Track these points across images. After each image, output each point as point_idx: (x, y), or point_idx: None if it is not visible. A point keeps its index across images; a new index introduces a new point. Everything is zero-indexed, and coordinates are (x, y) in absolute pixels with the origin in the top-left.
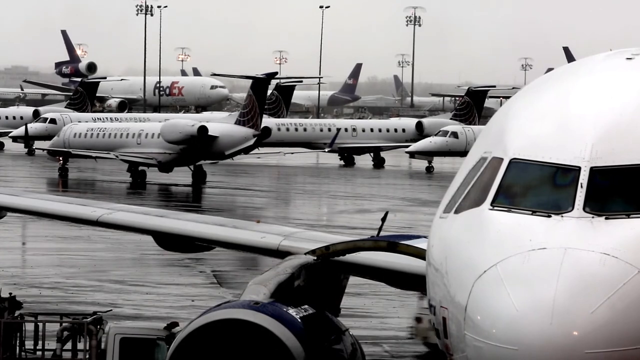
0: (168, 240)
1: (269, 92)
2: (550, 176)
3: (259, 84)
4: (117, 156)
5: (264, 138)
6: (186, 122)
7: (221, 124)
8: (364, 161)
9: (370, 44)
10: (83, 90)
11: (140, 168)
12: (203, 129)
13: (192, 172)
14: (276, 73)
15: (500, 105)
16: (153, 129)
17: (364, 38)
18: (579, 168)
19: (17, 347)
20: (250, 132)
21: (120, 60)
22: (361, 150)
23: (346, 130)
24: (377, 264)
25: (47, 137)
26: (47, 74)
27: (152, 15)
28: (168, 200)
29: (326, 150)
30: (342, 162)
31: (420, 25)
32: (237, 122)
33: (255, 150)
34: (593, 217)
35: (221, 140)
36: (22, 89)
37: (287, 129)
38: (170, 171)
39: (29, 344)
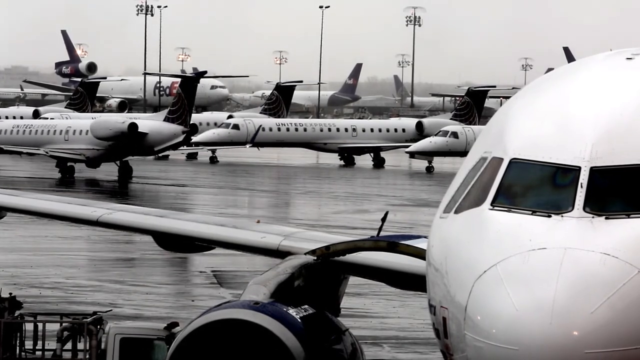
0: (168, 240)
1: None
2: (550, 176)
3: (188, 82)
4: (47, 152)
5: (192, 135)
6: (116, 119)
7: (151, 121)
8: (364, 161)
9: (370, 44)
10: (83, 91)
11: (69, 164)
12: (133, 126)
13: (118, 167)
14: (205, 72)
15: (500, 105)
16: (81, 125)
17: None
18: (579, 168)
19: (17, 347)
20: (180, 129)
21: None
22: (361, 150)
23: (346, 130)
24: (377, 264)
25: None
26: (47, 74)
27: (152, 15)
28: (96, 193)
29: (247, 146)
30: (342, 162)
31: (420, 25)
32: (166, 120)
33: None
34: (593, 217)
35: (150, 137)
36: (22, 89)
37: (287, 129)
38: (97, 166)
39: (29, 344)
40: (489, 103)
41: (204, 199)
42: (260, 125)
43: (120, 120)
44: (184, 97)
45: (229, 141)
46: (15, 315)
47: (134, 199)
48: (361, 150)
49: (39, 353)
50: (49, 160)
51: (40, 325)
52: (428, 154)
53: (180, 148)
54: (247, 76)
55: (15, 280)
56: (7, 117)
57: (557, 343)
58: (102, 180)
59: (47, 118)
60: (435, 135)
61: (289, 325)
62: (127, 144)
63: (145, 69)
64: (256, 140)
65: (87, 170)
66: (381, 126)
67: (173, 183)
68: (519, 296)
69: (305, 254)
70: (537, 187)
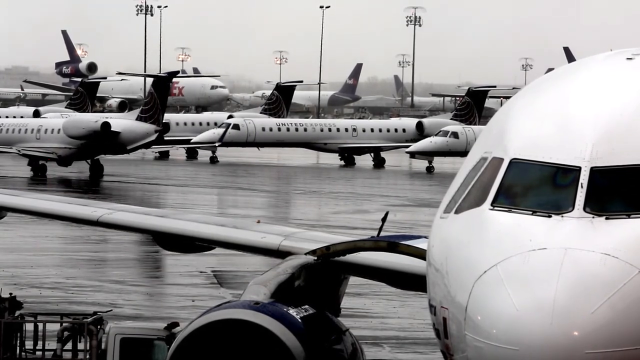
0: (168, 240)
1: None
2: (550, 176)
3: (161, 82)
4: (19, 151)
5: (164, 133)
6: (89, 118)
7: (124, 120)
8: (364, 161)
9: (371, 44)
10: (83, 91)
11: (41, 162)
12: (106, 125)
13: (89, 165)
14: (178, 72)
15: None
16: (53, 124)
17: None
18: (579, 168)
19: (18, 347)
20: (152, 128)
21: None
22: (361, 150)
23: (346, 130)
24: (377, 264)
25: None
26: (47, 74)
27: (152, 15)
28: (67, 191)
29: (217, 144)
30: (342, 162)
31: (420, 25)
32: (139, 119)
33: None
34: (593, 217)
35: (123, 136)
36: (22, 89)
37: (288, 129)
38: (69, 165)
39: (29, 344)
40: (489, 103)
41: (204, 198)
42: (230, 124)
43: (93, 119)
44: (157, 96)
45: (229, 141)
46: (16, 315)
47: (107, 197)
48: (361, 150)
49: (39, 353)
50: (22, 158)
51: (40, 325)
52: (428, 154)
53: (153, 146)
54: (219, 75)
55: (16, 280)
56: (7, 117)
57: (557, 343)
58: (73, 179)
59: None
60: (436, 135)
61: (290, 325)
62: (99, 143)
63: (145, 69)
64: (257, 140)
65: (59, 168)
66: (381, 126)
67: (144, 181)
68: (520, 296)
69: (305, 254)
70: (538, 187)
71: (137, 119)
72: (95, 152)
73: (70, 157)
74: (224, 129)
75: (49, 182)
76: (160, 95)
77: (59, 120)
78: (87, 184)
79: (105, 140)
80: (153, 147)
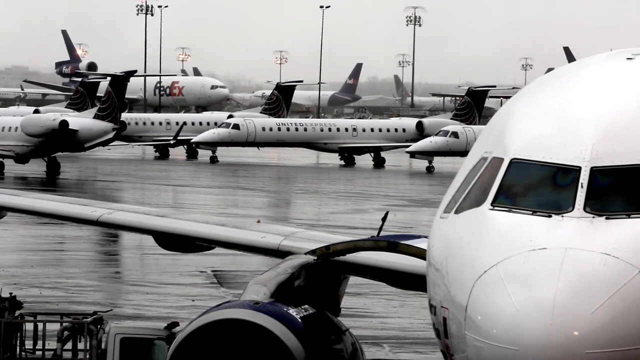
0: (168, 240)
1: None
2: (550, 176)
3: (118, 81)
4: None
5: (122, 132)
6: (48, 116)
7: (81, 119)
8: (364, 161)
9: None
10: (83, 90)
11: None
12: (64, 123)
13: (46, 163)
14: (135, 71)
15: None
16: (10, 122)
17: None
18: (580, 168)
19: (18, 347)
20: (110, 126)
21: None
22: (361, 150)
23: (346, 130)
24: (377, 263)
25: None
26: (47, 74)
27: (152, 15)
28: (24, 187)
29: (172, 142)
30: (342, 162)
31: (420, 25)
32: (96, 117)
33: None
34: (593, 217)
35: (81, 134)
36: (22, 89)
37: (288, 129)
38: (26, 162)
39: (29, 344)
40: (489, 103)
41: (204, 198)
42: (184, 122)
43: (51, 117)
44: (114, 95)
45: (228, 141)
46: (16, 315)
47: (63, 192)
48: (361, 150)
49: (39, 353)
50: None
51: (40, 325)
52: (428, 154)
53: (111, 144)
54: (175, 75)
55: (16, 280)
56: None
57: (557, 343)
58: (30, 177)
59: None
60: (436, 135)
61: (290, 325)
62: (57, 141)
63: (145, 69)
64: (257, 140)
65: (16, 166)
66: (381, 126)
67: (101, 179)
68: (520, 296)
69: (305, 253)
70: (538, 187)
71: (94, 117)
72: (53, 150)
73: (27, 155)
74: (178, 128)
75: (7, 180)
76: (117, 94)
77: (17, 118)
78: (45, 182)
79: (63, 139)
80: (111, 144)
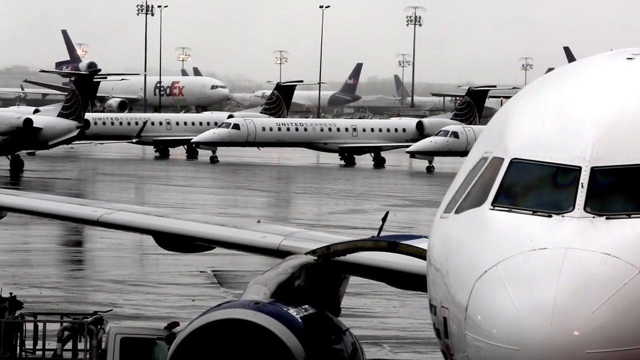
0: (168, 240)
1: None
2: (550, 176)
3: (82, 79)
4: None
5: (85, 130)
6: (12, 114)
7: (46, 117)
8: (364, 161)
9: (371, 44)
10: None
11: None
12: (28, 121)
13: (10, 161)
14: (99, 70)
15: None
16: None
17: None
18: (580, 168)
19: (18, 347)
20: (74, 124)
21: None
22: (361, 150)
23: (346, 130)
24: (377, 263)
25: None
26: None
27: (152, 15)
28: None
29: (134, 141)
30: (342, 162)
31: (420, 25)
32: (60, 115)
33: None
34: (594, 217)
35: (45, 132)
36: (22, 89)
37: (288, 129)
38: None
39: (29, 344)
40: (489, 103)
41: (204, 198)
42: (146, 121)
43: (15, 115)
44: (78, 93)
45: (228, 141)
46: (16, 315)
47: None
48: (361, 150)
49: (39, 353)
50: None
51: (40, 325)
52: (428, 154)
53: (74, 142)
54: (138, 74)
55: (16, 280)
56: None
57: (557, 343)
58: None
59: None
60: (436, 135)
61: (290, 325)
62: (21, 139)
63: (145, 69)
64: (257, 140)
65: None
66: (381, 126)
67: (64, 177)
68: (520, 296)
69: (305, 254)
70: (538, 187)
71: (58, 115)
72: (17, 147)
73: None
74: (140, 126)
75: None
76: (81, 92)
77: None
78: (11, 179)
79: (27, 136)
80: (73, 142)
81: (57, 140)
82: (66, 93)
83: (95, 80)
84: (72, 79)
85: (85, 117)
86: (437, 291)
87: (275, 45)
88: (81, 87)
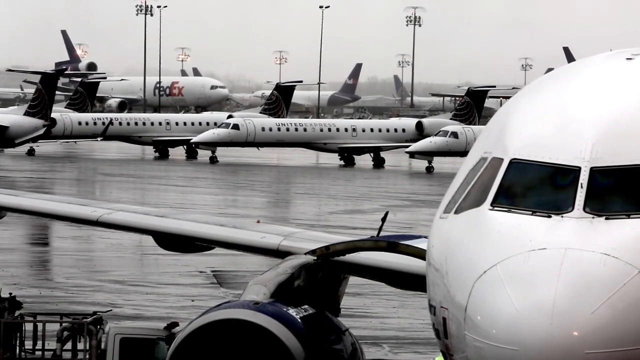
0: (168, 240)
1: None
2: (550, 176)
3: (49, 78)
4: None
5: (51, 128)
6: None
7: (12, 115)
8: (364, 161)
9: (370, 44)
10: (83, 91)
11: None
12: None
13: None
14: (65, 69)
15: (500, 105)
16: None
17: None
18: (579, 168)
19: (17, 347)
20: (40, 123)
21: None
22: (361, 150)
23: (346, 130)
24: (377, 264)
25: (47, 137)
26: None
27: (152, 15)
28: None
29: (99, 139)
30: (342, 162)
31: (420, 25)
32: (26, 114)
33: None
34: (593, 218)
35: (12, 130)
36: (22, 89)
37: (287, 129)
38: None
39: (29, 344)
40: (489, 103)
41: (204, 198)
42: (111, 119)
43: None
44: (44, 92)
45: (228, 141)
46: (15, 315)
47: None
48: (361, 150)
49: (39, 353)
50: None
51: (40, 325)
52: (428, 154)
53: (40, 141)
54: (123, 80)
55: (16, 280)
56: None
57: (557, 343)
58: None
59: None
60: (435, 135)
61: (289, 325)
62: None
63: (145, 69)
64: (256, 140)
65: None
66: (381, 126)
67: (28, 176)
68: (519, 296)
69: (305, 254)
70: (537, 188)
71: (25, 114)
72: None
73: None
74: (105, 125)
75: None
76: (47, 91)
77: None
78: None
79: None
80: (39, 141)
81: (23, 139)
82: (66, 93)
83: (90, 80)
84: (72, 79)
85: (51, 116)
86: (437, 291)
87: (274, 45)
88: (47, 86)
